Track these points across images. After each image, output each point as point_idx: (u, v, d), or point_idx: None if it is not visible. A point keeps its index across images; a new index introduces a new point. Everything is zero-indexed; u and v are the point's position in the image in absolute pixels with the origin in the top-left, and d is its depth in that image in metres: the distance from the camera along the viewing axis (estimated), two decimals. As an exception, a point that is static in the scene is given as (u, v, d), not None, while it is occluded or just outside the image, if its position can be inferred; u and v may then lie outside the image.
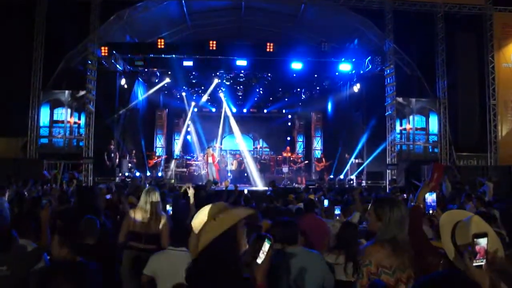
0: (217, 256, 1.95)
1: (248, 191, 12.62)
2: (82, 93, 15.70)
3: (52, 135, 16.13)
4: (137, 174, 16.72)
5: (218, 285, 1.94)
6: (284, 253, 3.37)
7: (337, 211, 6.05)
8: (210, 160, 17.80)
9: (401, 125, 16.98)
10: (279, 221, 3.64)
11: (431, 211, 2.90)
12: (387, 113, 16.21)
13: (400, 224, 2.57)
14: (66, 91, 16.11)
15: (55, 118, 16.13)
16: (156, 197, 4.82)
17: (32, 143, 15.60)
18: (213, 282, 1.94)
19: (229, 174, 19.39)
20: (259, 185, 17.52)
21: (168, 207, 6.26)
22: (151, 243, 4.56)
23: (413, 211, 2.71)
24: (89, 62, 15.13)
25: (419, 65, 16.69)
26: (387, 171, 15.98)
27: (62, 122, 16.12)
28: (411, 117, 17.04)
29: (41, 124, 15.96)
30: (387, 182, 15.50)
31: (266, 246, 2.06)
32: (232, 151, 21.59)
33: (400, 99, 16.66)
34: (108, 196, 7.25)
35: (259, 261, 2.04)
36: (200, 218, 2.05)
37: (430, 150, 17.01)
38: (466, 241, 1.91)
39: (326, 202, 6.54)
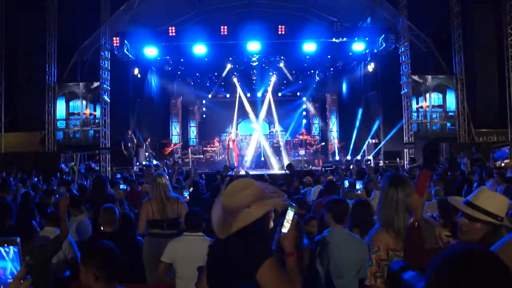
0: (247, 238, 1.88)
1: (267, 175, 12.64)
2: (96, 84, 15.88)
3: (69, 127, 16.38)
4: (154, 162, 16.83)
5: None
6: (329, 231, 3.44)
7: (358, 185, 5.79)
8: (231, 145, 17.87)
9: (417, 103, 16.76)
10: (332, 199, 3.71)
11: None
12: (402, 92, 15.94)
13: (404, 206, 2.38)
14: (81, 83, 16.32)
15: (71, 110, 16.38)
16: (164, 180, 4.80)
17: (50, 136, 15.84)
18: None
19: (245, 159, 19.43)
20: (276, 169, 17.49)
21: (186, 194, 6.27)
22: (172, 228, 4.60)
23: (411, 232, 2.13)
24: (102, 53, 15.19)
25: (435, 41, 16.35)
26: (405, 150, 15.78)
27: (78, 114, 16.35)
28: (427, 95, 16.81)
29: (58, 117, 16.20)
30: (405, 162, 15.31)
31: (289, 214, 1.92)
32: (248, 135, 21.56)
33: (415, 77, 16.41)
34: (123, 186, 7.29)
35: (284, 230, 1.92)
36: (234, 201, 1.93)
37: (448, 127, 16.76)
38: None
39: (346, 183, 6.42)
